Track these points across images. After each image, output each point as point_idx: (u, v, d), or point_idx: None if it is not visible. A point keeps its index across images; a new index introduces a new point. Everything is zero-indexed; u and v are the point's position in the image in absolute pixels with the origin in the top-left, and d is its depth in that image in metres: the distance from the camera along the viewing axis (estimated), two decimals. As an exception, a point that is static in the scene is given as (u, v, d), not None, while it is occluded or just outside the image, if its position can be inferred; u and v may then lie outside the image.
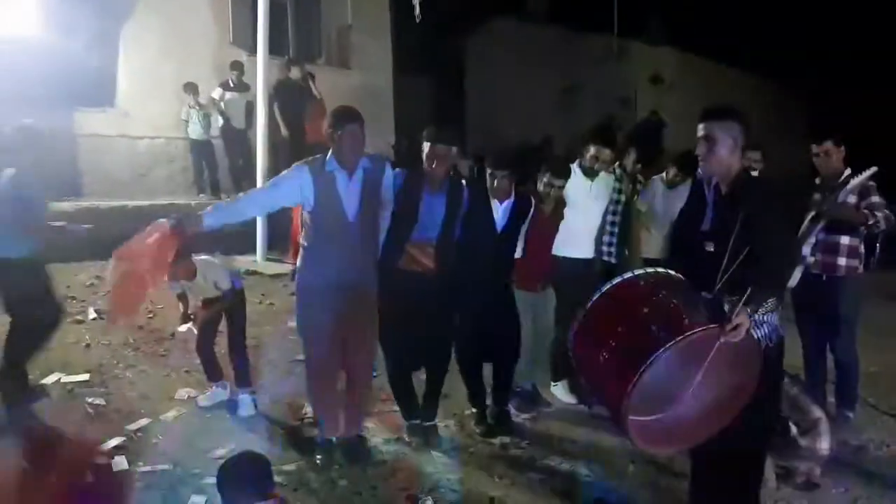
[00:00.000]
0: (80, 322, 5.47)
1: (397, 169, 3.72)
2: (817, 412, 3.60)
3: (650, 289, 2.63)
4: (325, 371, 3.60)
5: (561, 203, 4.30)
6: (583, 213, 4.47)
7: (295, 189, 3.40)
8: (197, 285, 3.99)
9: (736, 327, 2.36)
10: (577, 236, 4.47)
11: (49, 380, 4.46)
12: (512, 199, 3.94)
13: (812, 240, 4.07)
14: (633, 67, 16.51)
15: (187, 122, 9.03)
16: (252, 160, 8.35)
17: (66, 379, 4.46)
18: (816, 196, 4.16)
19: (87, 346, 5.04)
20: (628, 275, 2.70)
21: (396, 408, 4.05)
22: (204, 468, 3.52)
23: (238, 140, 9.26)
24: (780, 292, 2.76)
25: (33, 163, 4.15)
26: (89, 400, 4.19)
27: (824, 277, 4.12)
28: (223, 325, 4.27)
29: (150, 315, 5.51)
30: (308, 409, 4.07)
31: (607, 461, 3.77)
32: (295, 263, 4.18)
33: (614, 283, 2.67)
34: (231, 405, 4.21)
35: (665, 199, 5.26)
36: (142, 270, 3.10)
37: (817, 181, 4.25)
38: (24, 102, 7.53)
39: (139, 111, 9.25)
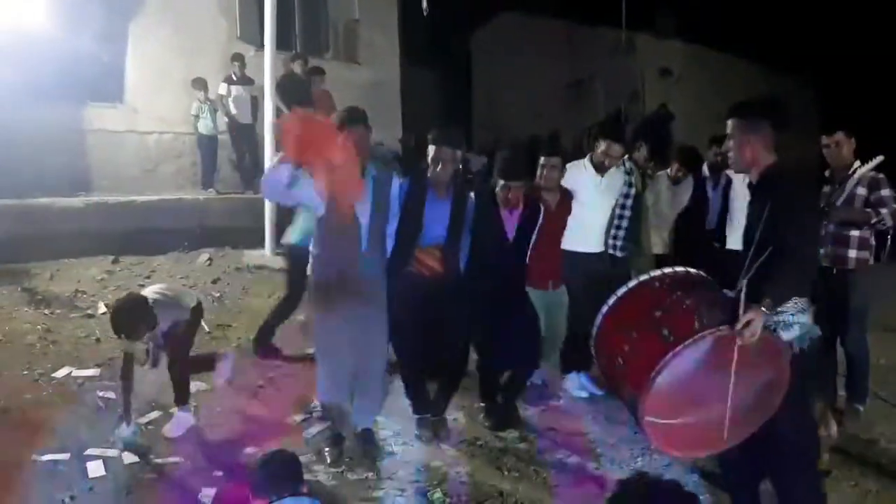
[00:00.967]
0: (90, 316, 5.50)
1: (401, 179, 3.70)
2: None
3: (665, 290, 2.60)
4: (336, 366, 3.59)
5: (567, 196, 4.28)
6: (592, 209, 4.45)
7: (308, 192, 3.35)
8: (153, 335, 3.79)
9: (748, 324, 2.32)
10: (587, 231, 4.45)
11: (60, 374, 4.49)
12: (521, 208, 3.91)
13: (821, 233, 4.05)
14: (641, 60, 16.43)
15: (197, 116, 9.05)
16: (259, 154, 8.37)
17: (76, 373, 4.49)
18: (826, 188, 4.14)
19: (98, 340, 5.07)
20: (644, 277, 2.68)
21: (405, 402, 4.06)
22: (213, 461, 3.55)
23: (245, 135, 9.28)
24: (807, 290, 2.63)
25: None
26: (100, 394, 4.21)
27: (834, 270, 4.09)
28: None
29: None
30: (317, 404, 4.08)
31: (616, 454, 3.77)
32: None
33: (629, 285, 2.66)
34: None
35: (669, 195, 5.25)
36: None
37: (827, 173, 4.22)
38: (34, 97, 7.61)
39: (148, 106, 9.28)
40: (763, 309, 2.38)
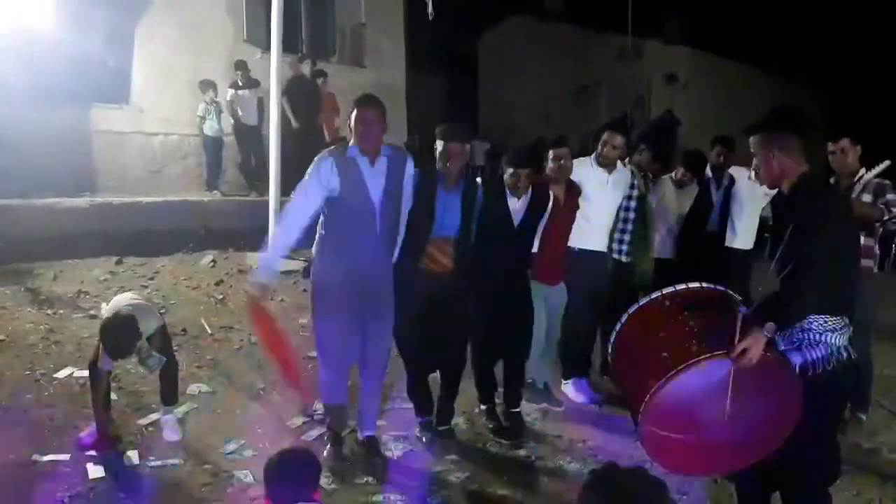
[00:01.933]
0: (93, 317, 5.51)
1: (415, 169, 3.69)
2: None
3: (672, 310, 2.58)
4: (338, 362, 3.59)
5: (575, 189, 4.26)
6: (599, 206, 4.44)
7: (322, 179, 3.35)
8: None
9: (744, 352, 2.29)
10: (592, 229, 4.44)
11: (62, 374, 4.50)
12: (529, 194, 3.92)
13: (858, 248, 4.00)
14: (647, 66, 16.43)
15: (203, 118, 9.08)
16: (265, 157, 8.39)
17: (78, 374, 4.50)
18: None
19: (101, 340, 5.07)
20: (655, 294, 2.66)
21: (406, 405, 4.06)
22: (215, 463, 3.55)
23: (250, 137, 9.31)
24: (841, 309, 2.50)
25: None
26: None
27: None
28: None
29: (163, 311, 5.55)
30: (319, 406, 4.07)
31: (615, 461, 3.75)
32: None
33: (641, 303, 2.66)
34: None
35: (673, 199, 5.24)
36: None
37: (832, 180, 4.21)
38: (40, 98, 7.64)
39: (153, 107, 9.31)
40: (765, 333, 2.33)
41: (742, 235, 5.17)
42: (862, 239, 3.97)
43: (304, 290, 6.43)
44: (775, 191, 3.36)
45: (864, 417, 4.26)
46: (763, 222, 5.27)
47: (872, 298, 4.15)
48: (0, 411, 4.03)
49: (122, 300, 3.81)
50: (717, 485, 3.39)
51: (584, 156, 4.58)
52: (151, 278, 6.65)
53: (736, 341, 2.31)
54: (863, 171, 4.04)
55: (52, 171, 7.72)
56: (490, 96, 18.50)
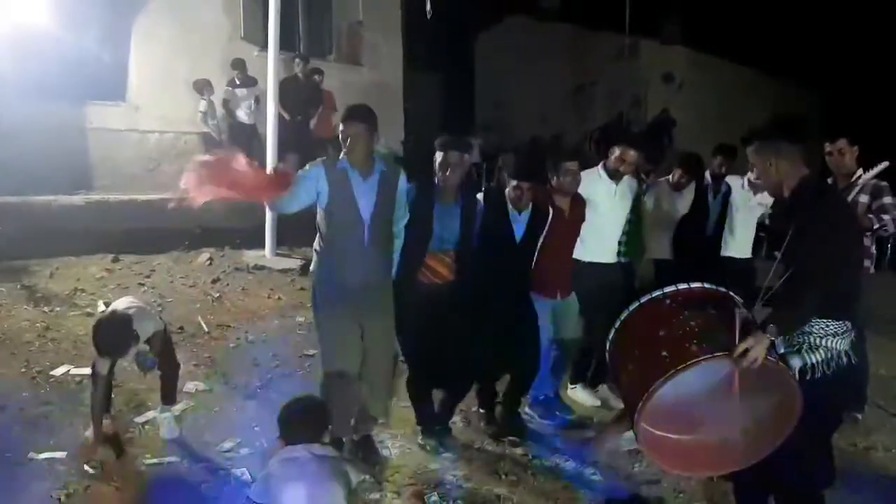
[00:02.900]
0: (90, 315, 5.50)
1: (409, 183, 3.63)
2: None
3: (673, 309, 2.56)
4: (341, 372, 3.56)
5: (580, 202, 4.16)
6: (608, 218, 4.34)
7: (312, 182, 3.34)
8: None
9: (746, 351, 2.27)
10: (602, 241, 4.34)
11: (58, 371, 4.49)
12: (530, 209, 3.85)
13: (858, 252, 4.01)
14: (644, 66, 16.43)
15: (205, 113, 9.06)
16: (262, 155, 8.37)
17: (74, 371, 4.49)
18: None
19: (97, 338, 5.05)
20: (657, 292, 2.63)
21: (403, 403, 4.05)
22: (211, 461, 3.55)
23: (247, 135, 9.29)
24: (843, 314, 2.49)
25: None
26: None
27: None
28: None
29: (160, 308, 5.54)
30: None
31: (613, 461, 3.76)
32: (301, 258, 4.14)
33: (641, 301, 2.63)
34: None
35: (670, 200, 5.24)
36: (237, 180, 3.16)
37: (829, 181, 4.21)
38: (36, 95, 7.61)
39: (150, 105, 9.29)
40: (767, 335, 2.32)
41: (739, 244, 5.17)
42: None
43: (302, 289, 6.43)
44: (771, 201, 3.35)
45: (859, 417, 4.28)
46: (759, 228, 5.29)
47: (869, 299, 4.17)
48: (-4, 409, 4.02)
49: (120, 304, 3.80)
50: (714, 483, 3.40)
51: (579, 156, 4.44)
52: (148, 276, 6.64)
53: (737, 342, 2.29)
54: (860, 171, 4.05)
55: (47, 169, 7.68)
56: (486, 95, 18.47)
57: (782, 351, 2.48)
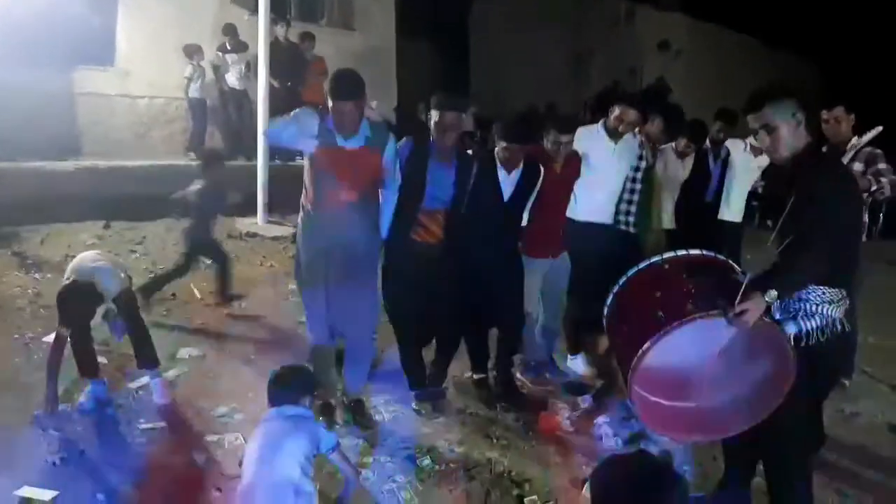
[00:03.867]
0: (81, 281, 5.47)
1: (403, 139, 3.60)
2: None
3: (671, 272, 2.56)
4: (323, 328, 3.58)
5: (575, 161, 4.11)
6: (605, 175, 4.28)
7: (302, 124, 3.28)
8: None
9: (742, 313, 2.27)
10: (597, 200, 4.30)
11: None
12: (521, 168, 3.82)
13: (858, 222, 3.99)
14: (640, 34, 16.27)
15: (190, 79, 8.93)
16: (252, 121, 8.29)
17: (67, 337, 4.47)
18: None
19: (89, 305, 5.04)
20: (656, 258, 2.64)
21: (396, 367, 4.06)
22: (204, 426, 3.57)
23: (237, 100, 9.18)
24: (840, 282, 2.49)
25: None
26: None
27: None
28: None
29: (151, 275, 5.52)
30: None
31: (606, 427, 3.79)
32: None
33: (640, 266, 2.64)
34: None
35: (676, 168, 5.20)
36: None
37: (824, 150, 4.19)
38: (23, 59, 7.48)
39: (139, 70, 9.16)
40: (766, 299, 2.32)
41: (734, 208, 5.19)
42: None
43: (293, 256, 6.40)
44: (767, 162, 3.30)
45: (847, 383, 4.33)
46: (751, 194, 5.28)
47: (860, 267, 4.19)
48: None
49: (86, 259, 3.77)
50: (703, 447, 3.44)
51: (574, 125, 4.23)
52: (139, 243, 6.60)
53: (736, 303, 2.29)
54: (855, 138, 4.04)
55: (35, 134, 7.59)
56: (482, 62, 18.30)
57: (779, 317, 2.49)
